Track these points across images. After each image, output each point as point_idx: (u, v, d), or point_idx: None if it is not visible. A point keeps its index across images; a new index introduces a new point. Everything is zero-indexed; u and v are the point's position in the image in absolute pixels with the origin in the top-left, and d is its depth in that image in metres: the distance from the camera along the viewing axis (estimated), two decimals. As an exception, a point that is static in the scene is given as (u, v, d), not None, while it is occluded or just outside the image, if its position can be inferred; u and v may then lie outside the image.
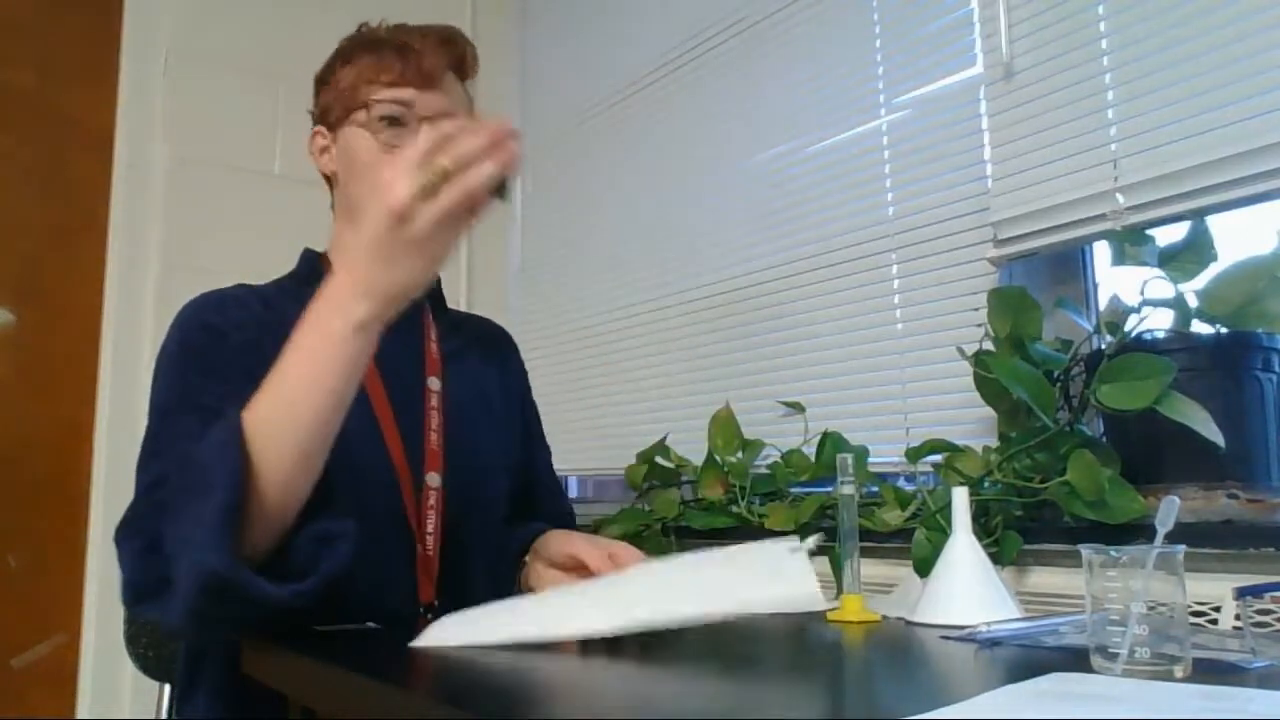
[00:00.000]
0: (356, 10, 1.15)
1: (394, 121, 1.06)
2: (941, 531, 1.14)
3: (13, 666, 1.72)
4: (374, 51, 1.08)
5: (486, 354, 1.25)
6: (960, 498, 0.98)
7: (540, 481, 1.28)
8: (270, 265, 1.15)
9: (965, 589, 0.94)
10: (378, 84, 1.07)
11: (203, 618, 0.77)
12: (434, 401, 1.11)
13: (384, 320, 0.80)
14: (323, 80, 1.13)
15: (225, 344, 0.98)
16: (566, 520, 1.26)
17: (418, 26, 1.11)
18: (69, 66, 1.91)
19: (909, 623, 0.95)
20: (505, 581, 1.16)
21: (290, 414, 0.80)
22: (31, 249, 1.84)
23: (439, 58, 1.08)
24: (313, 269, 1.13)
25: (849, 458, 0.99)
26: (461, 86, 1.13)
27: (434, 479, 1.06)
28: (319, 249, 1.16)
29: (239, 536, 0.76)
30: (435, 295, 1.22)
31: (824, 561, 1.16)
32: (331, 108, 1.10)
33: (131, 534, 0.83)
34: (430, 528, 1.05)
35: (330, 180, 1.15)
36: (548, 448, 1.33)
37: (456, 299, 1.25)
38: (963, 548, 0.97)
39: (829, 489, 1.42)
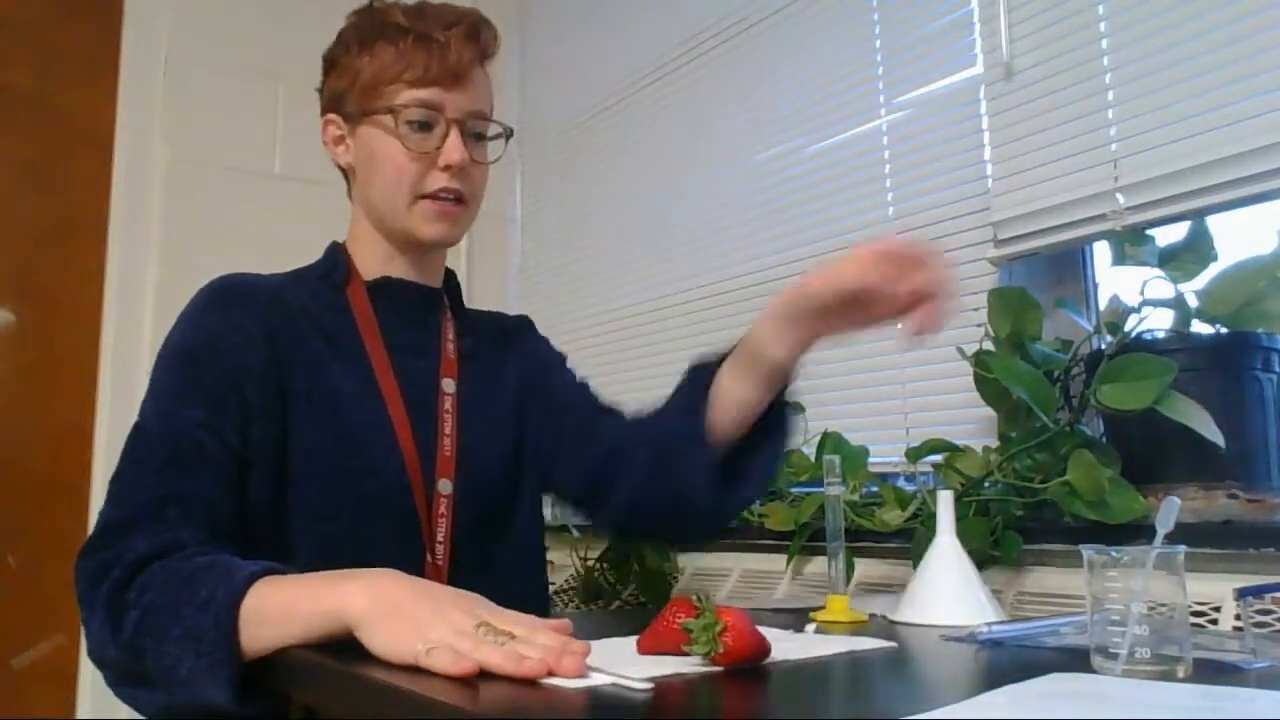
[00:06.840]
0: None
1: (422, 126, 1.01)
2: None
3: (13, 666, 1.72)
4: (393, 42, 1.00)
5: (501, 349, 1.18)
6: (946, 501, 1.00)
7: (576, 407, 1.15)
8: (270, 266, 1.14)
9: (947, 590, 0.96)
10: (401, 83, 1.00)
11: None
12: (448, 405, 1.06)
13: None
14: (333, 62, 1.05)
15: (221, 350, 0.95)
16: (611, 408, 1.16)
17: (436, 7, 1.03)
18: (69, 66, 1.91)
19: (892, 621, 0.96)
20: (527, 593, 1.10)
21: (284, 620, 0.76)
22: (31, 249, 1.84)
23: (466, 52, 1.01)
24: (335, 261, 1.08)
25: (836, 459, 1.00)
26: (485, 75, 1.06)
27: (446, 486, 1.02)
28: (334, 243, 1.11)
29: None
30: (454, 293, 1.16)
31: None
32: (345, 97, 1.03)
33: (95, 597, 0.80)
34: (440, 536, 1.00)
35: (345, 171, 1.09)
36: (580, 382, 1.19)
37: (456, 298, 1.23)
38: (946, 550, 0.99)
39: (829, 489, 1.42)
